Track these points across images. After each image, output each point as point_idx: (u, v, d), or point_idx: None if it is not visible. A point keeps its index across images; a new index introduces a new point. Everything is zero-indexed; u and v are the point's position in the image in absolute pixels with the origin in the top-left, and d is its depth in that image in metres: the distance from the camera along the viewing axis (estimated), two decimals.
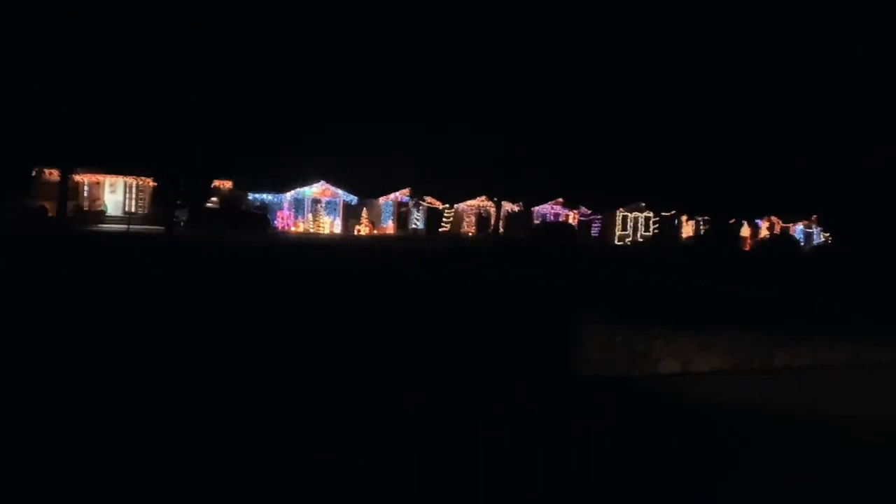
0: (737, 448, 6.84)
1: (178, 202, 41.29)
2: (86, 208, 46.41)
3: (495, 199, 62.31)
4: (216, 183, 50.79)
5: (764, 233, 75.86)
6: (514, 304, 15.89)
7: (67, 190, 43.18)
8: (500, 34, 61.60)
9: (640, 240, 69.47)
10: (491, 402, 7.92)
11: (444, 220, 60.39)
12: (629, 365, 9.59)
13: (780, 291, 20.04)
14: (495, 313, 14.35)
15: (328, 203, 56.65)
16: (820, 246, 73.35)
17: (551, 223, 62.77)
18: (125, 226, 43.29)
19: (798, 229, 77.47)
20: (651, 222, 69.87)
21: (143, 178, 45.05)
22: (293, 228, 53.57)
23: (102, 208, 46.94)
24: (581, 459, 6.27)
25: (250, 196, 54.60)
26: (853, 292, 21.44)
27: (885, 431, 7.61)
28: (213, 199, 47.68)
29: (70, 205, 44.14)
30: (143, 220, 47.23)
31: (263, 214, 48.36)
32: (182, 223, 45.72)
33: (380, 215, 59.32)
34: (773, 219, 76.04)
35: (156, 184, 41.57)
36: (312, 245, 36.38)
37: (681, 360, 9.91)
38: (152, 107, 40.39)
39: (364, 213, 56.80)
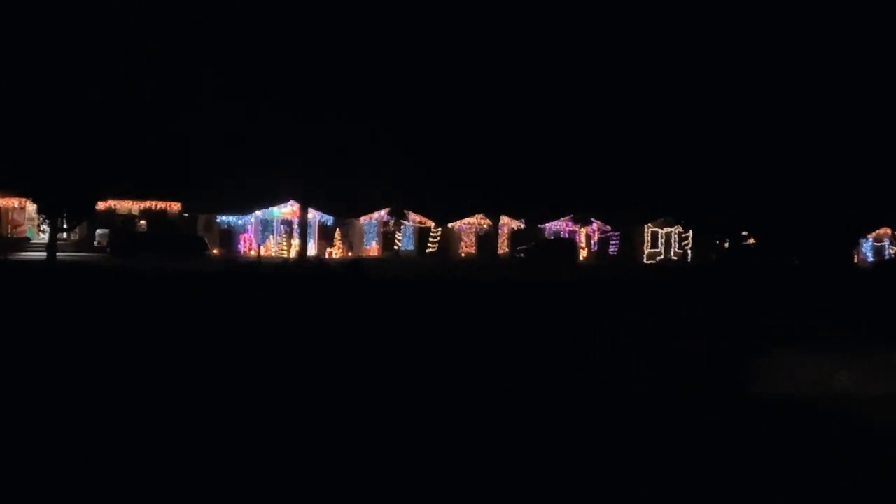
0: None
1: (64, 225, 36.84)
2: (8, 235, 42.75)
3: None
4: (161, 205, 46.56)
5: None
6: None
7: None
8: (498, 33, 55.31)
9: (674, 258, 61.70)
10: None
11: (430, 240, 54.30)
12: (808, 386, 9.87)
13: None
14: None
15: (301, 224, 51.49)
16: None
17: (549, 240, 55.72)
18: (43, 253, 39.21)
19: (867, 244, 67.66)
20: (681, 237, 61.84)
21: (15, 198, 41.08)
22: (252, 252, 48.59)
23: (27, 234, 43.17)
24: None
25: (219, 219, 50.13)
26: None
27: None
28: (142, 222, 43.24)
29: None
30: (73, 246, 43.35)
31: (200, 238, 43.59)
32: (107, 249, 41.59)
33: (362, 236, 53.83)
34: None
35: (35, 205, 37.13)
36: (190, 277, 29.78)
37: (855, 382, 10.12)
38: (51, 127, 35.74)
39: (337, 234, 51.40)
